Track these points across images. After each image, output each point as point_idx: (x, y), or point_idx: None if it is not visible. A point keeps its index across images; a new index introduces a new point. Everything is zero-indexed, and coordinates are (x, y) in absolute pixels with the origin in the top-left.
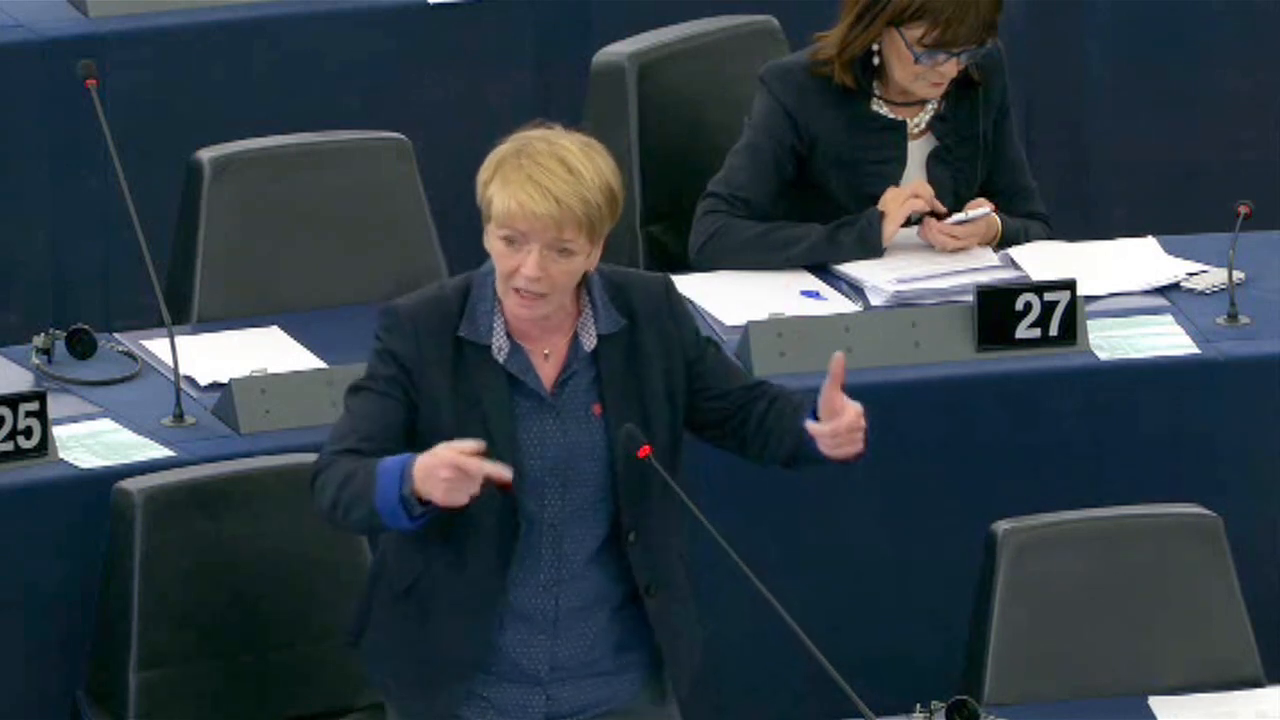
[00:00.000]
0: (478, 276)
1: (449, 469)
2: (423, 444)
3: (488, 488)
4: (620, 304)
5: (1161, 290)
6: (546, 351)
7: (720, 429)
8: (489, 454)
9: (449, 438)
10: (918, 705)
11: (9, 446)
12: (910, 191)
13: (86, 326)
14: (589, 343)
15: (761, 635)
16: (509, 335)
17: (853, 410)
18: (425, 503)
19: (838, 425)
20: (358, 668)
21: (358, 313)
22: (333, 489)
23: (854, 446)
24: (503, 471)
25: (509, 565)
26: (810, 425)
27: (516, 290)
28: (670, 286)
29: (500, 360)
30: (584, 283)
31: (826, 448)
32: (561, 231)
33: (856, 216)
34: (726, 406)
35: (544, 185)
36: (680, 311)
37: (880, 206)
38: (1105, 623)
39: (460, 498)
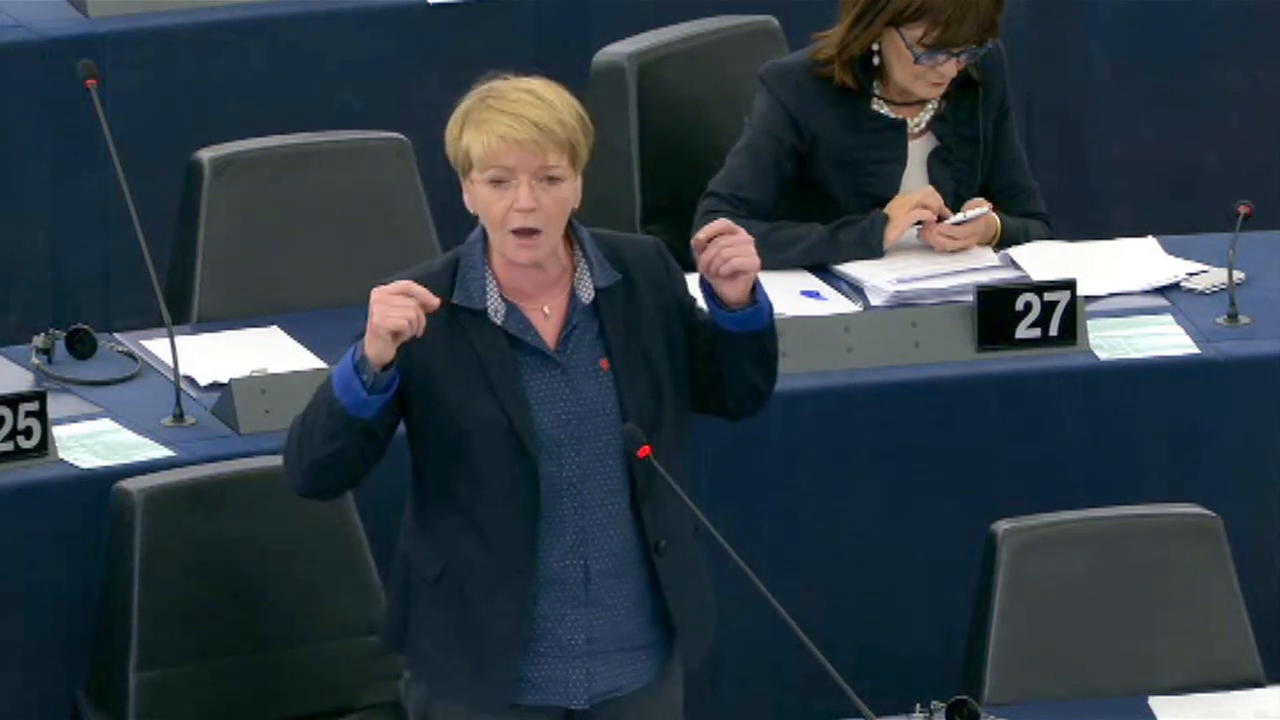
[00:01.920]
0: (464, 248)
1: (376, 296)
2: (419, 418)
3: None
4: (614, 260)
5: (1161, 290)
6: (546, 310)
7: (712, 386)
8: (500, 418)
9: (450, 408)
10: (918, 705)
11: (9, 446)
12: (918, 200)
13: (86, 326)
14: (587, 295)
15: (761, 634)
16: (503, 297)
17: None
18: (385, 380)
19: (708, 254)
20: (393, 663)
21: (358, 313)
22: (298, 421)
23: (740, 259)
24: (429, 297)
25: (535, 530)
26: (703, 285)
27: (513, 232)
28: (661, 246)
29: (498, 321)
30: (574, 237)
31: (720, 286)
32: (546, 157)
33: (860, 218)
34: (715, 364)
35: (520, 114)
36: (675, 270)
37: (886, 211)
38: (1105, 623)
39: (395, 320)
